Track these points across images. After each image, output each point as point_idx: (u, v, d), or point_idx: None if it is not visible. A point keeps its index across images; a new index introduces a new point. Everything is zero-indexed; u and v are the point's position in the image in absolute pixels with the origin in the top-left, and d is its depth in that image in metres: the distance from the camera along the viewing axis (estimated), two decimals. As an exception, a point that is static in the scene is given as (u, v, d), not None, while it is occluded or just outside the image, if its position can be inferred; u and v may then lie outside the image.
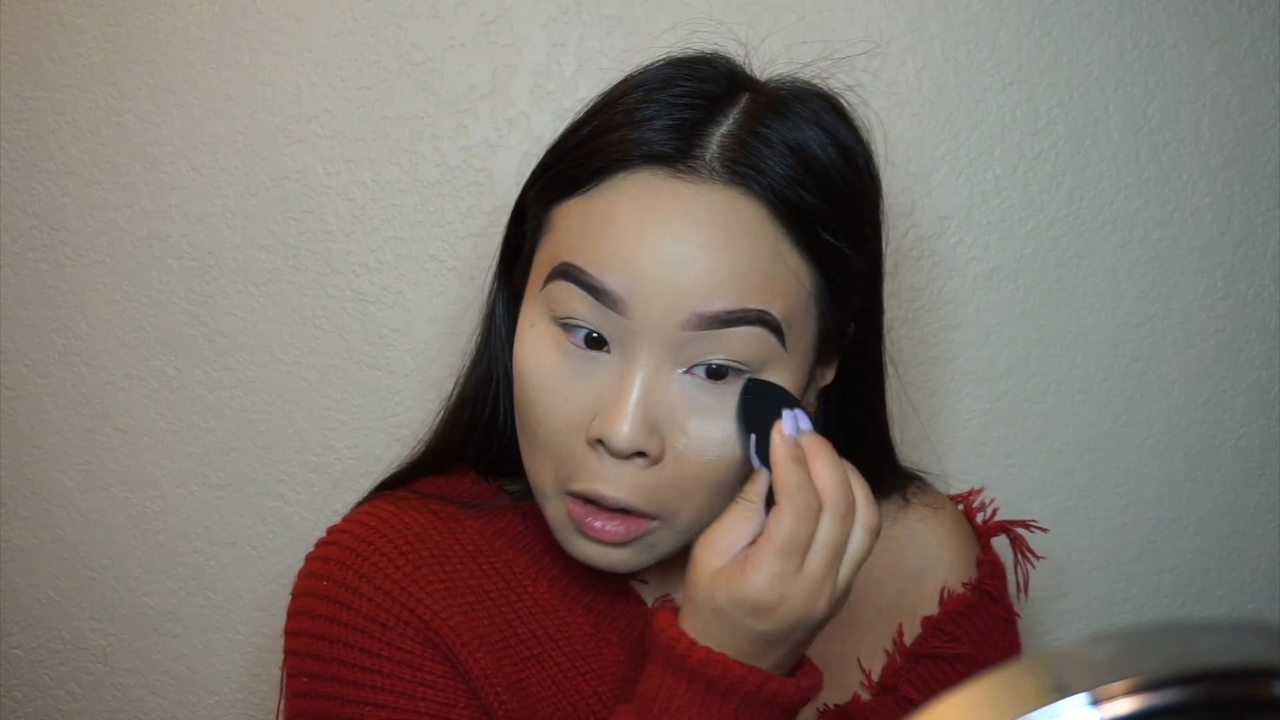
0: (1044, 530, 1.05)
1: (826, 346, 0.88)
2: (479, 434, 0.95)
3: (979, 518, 1.04)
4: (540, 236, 0.87)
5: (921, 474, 1.06)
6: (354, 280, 1.25)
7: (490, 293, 0.95)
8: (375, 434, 1.25)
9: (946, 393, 1.31)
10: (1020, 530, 1.04)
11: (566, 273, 0.83)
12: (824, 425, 0.93)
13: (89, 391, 1.26)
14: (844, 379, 0.94)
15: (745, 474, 0.83)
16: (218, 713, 1.29)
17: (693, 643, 0.79)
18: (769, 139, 0.83)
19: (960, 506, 1.05)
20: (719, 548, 0.79)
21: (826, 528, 0.79)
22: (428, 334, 1.25)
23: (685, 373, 0.82)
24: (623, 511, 0.84)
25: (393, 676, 0.86)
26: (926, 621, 0.99)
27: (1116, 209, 1.30)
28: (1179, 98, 1.29)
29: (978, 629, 1.00)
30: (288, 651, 0.90)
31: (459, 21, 1.23)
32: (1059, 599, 1.34)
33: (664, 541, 0.86)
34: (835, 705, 0.96)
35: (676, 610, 0.82)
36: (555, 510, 0.86)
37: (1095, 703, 0.42)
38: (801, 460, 0.79)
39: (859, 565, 0.81)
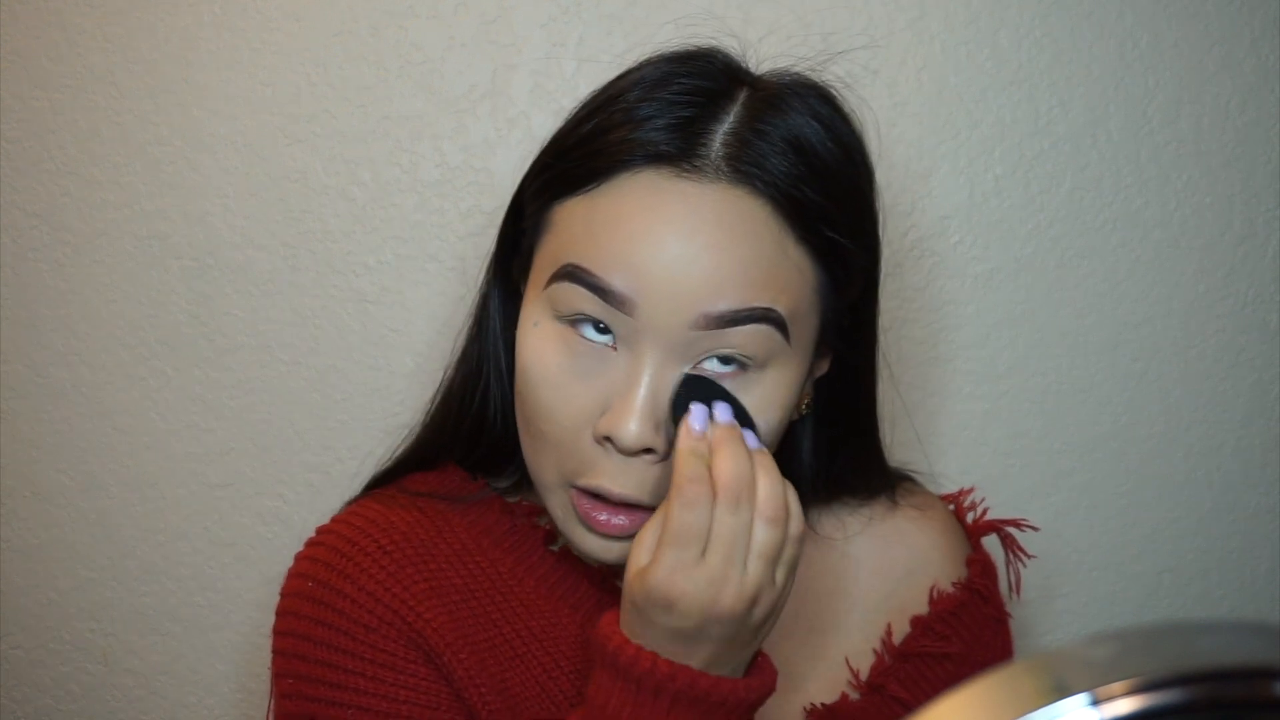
0: (1035, 529, 1.04)
1: (825, 338, 0.89)
2: (467, 428, 0.95)
3: (969, 517, 1.03)
4: (540, 235, 0.87)
5: (912, 474, 1.05)
6: (354, 280, 1.25)
7: (483, 288, 0.95)
8: (375, 434, 1.25)
9: (946, 393, 1.31)
10: (1011, 529, 1.04)
11: (572, 274, 0.83)
12: (815, 415, 0.93)
13: (89, 391, 1.26)
14: (836, 367, 0.94)
15: None
16: (217, 713, 1.29)
17: (625, 641, 0.79)
18: (770, 136, 0.83)
19: (951, 506, 1.04)
20: (645, 543, 0.80)
21: (719, 518, 0.78)
22: (428, 334, 1.25)
23: (691, 369, 0.83)
24: (627, 505, 0.84)
25: (375, 679, 0.86)
26: (916, 621, 0.98)
27: (1116, 209, 1.30)
28: (1179, 98, 1.29)
29: (968, 628, 0.99)
30: (275, 652, 0.90)
31: (459, 21, 1.23)
32: (1058, 599, 1.34)
33: None
34: (823, 704, 0.95)
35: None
36: (559, 502, 0.86)
37: (1095, 703, 0.42)
38: (701, 453, 0.79)
39: (778, 561, 0.79)
